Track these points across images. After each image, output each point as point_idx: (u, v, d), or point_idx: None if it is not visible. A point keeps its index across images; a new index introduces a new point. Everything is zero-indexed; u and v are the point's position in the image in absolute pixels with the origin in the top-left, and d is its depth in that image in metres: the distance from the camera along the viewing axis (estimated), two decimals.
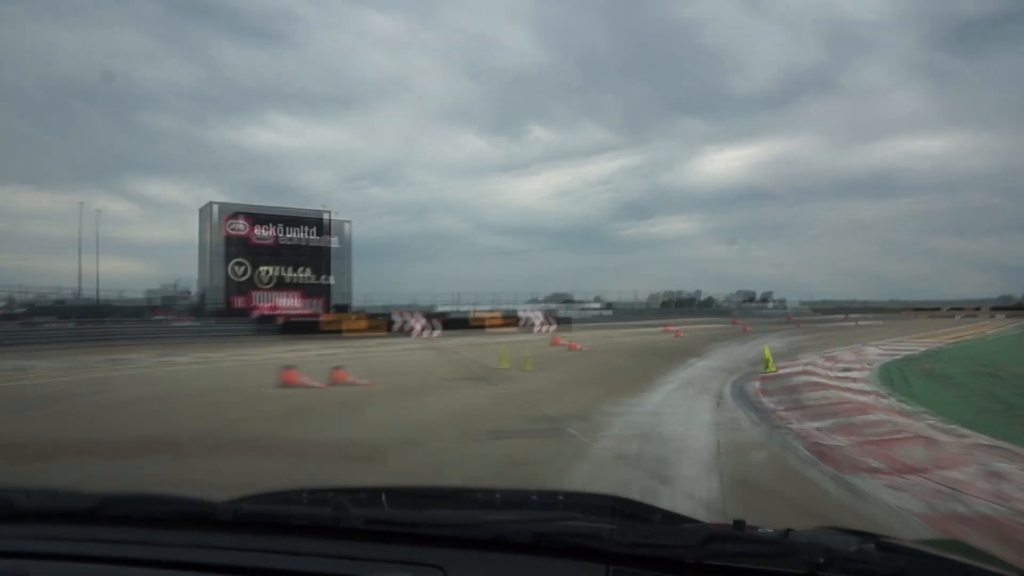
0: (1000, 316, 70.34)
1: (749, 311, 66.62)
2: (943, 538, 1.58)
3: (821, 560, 1.08)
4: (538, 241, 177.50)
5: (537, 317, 43.16)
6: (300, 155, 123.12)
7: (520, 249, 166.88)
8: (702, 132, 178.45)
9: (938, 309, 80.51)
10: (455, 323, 38.85)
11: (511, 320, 42.12)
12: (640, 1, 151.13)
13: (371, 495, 1.51)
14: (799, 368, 13.82)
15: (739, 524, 1.23)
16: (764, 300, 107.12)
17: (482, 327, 39.72)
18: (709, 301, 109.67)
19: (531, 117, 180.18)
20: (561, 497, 1.60)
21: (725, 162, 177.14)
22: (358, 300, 42.07)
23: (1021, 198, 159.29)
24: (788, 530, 1.19)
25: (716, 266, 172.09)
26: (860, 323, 49.08)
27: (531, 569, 1.21)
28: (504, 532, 1.27)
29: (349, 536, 1.32)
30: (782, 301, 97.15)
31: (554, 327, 41.62)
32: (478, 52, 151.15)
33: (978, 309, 78.32)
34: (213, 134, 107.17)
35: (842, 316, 66.15)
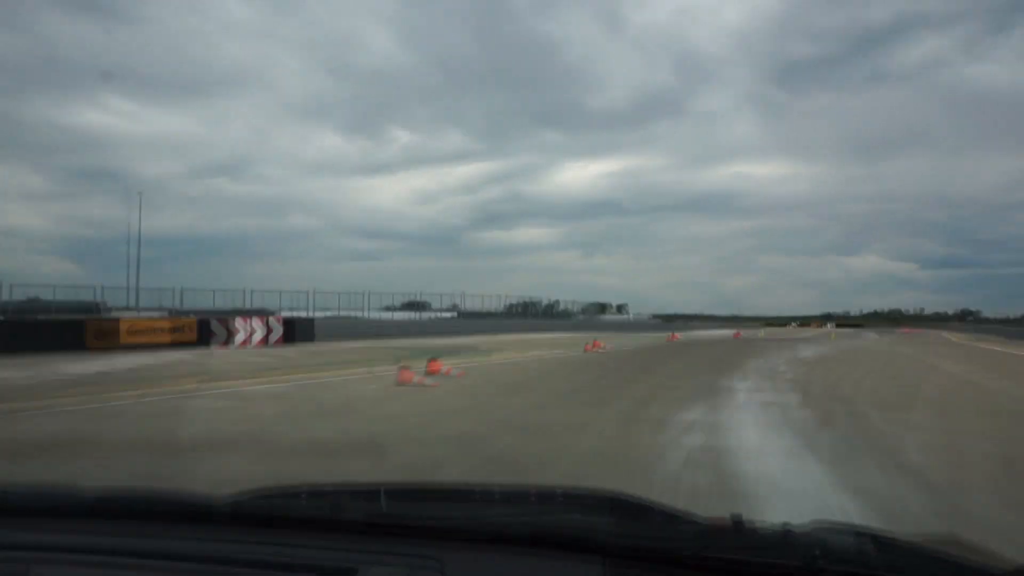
0: (829, 326, 79.57)
1: (599, 323, 67.44)
2: (940, 534, 1.40)
3: (818, 555, 1.08)
4: (397, 245, 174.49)
5: (249, 326, 26.40)
6: (138, 141, 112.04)
7: (379, 253, 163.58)
8: (562, 145, 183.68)
9: (786, 324, 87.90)
10: None
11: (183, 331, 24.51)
12: (506, 13, 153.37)
13: (370, 491, 1.52)
14: None
15: (736, 520, 1.21)
16: (619, 310, 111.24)
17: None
18: (565, 312, 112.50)
19: (393, 119, 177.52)
20: (559, 493, 1.56)
21: (582, 175, 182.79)
22: (188, 300, 35.63)
23: (836, 223, 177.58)
24: (785, 526, 1.18)
25: (571, 276, 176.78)
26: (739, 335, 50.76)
27: (529, 564, 1.21)
28: (502, 527, 1.27)
29: (348, 531, 1.32)
30: (635, 313, 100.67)
31: (272, 337, 26.92)
32: (339, 49, 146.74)
33: (822, 325, 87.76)
34: (29, 110, 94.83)
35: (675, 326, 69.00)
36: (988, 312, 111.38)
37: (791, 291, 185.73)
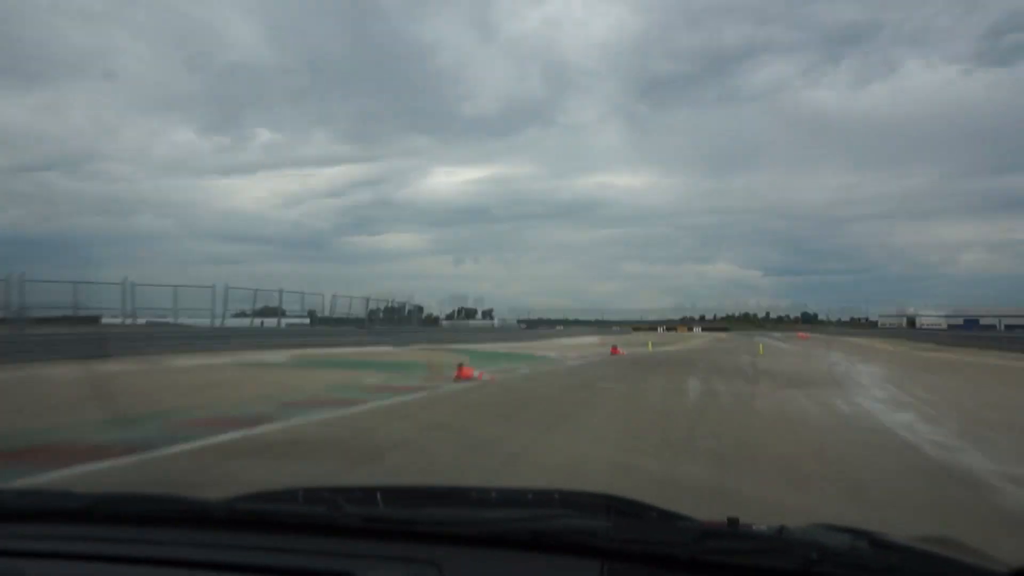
0: (697, 330, 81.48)
1: (465, 328, 64.36)
2: (936, 535, 1.35)
3: (814, 557, 1.09)
4: (260, 249, 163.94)
5: None
6: None
7: (240, 257, 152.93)
8: (432, 151, 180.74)
9: (655, 328, 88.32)
10: None
11: None
12: (377, 14, 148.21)
13: (367, 494, 1.52)
14: None
15: (733, 521, 1.23)
16: (486, 315, 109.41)
17: None
18: (432, 318, 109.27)
19: (257, 119, 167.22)
20: (557, 495, 1.59)
21: (452, 181, 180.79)
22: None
23: (691, 232, 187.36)
24: (782, 527, 1.20)
25: (441, 282, 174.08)
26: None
27: (527, 566, 1.21)
28: (500, 529, 1.27)
29: (345, 534, 1.31)
30: (500, 318, 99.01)
31: None
32: (199, 42, 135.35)
33: (691, 328, 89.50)
34: None
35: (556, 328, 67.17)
36: (823, 316, 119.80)
37: (652, 296, 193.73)
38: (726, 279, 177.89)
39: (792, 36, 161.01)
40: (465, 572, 1.20)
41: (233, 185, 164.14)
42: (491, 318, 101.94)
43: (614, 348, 30.05)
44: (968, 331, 60.30)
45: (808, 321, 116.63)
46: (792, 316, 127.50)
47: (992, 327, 65.26)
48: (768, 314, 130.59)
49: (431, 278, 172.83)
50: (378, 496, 1.48)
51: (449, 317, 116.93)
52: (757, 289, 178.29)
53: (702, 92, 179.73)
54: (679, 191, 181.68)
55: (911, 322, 79.89)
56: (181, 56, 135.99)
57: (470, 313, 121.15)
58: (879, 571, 1.09)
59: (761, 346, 33.76)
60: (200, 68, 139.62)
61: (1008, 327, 62.78)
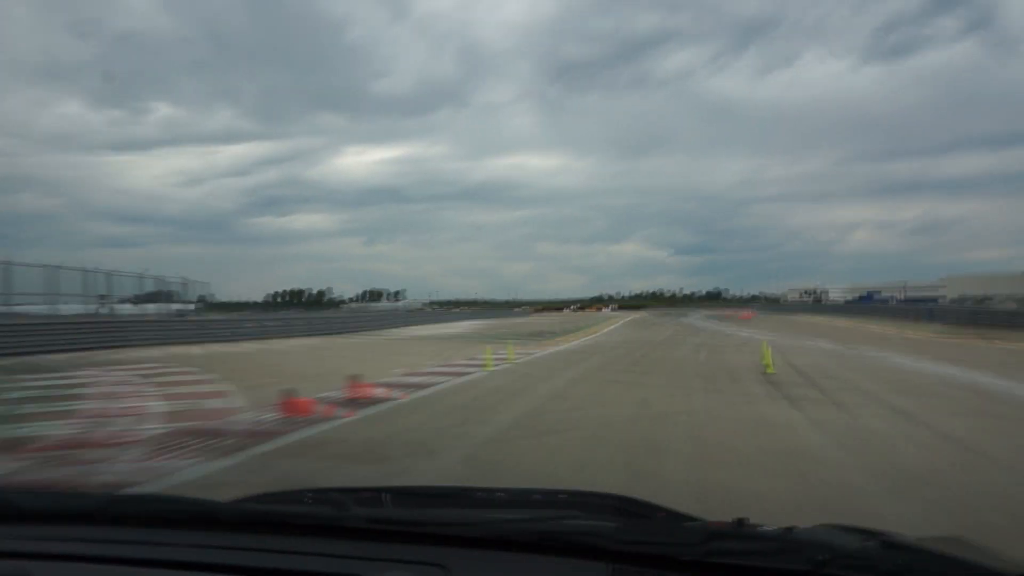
0: (608, 310, 78.95)
1: (370, 311, 60.76)
2: (946, 535, 1.36)
3: (823, 558, 1.08)
4: (158, 231, 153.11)
5: None
6: None
7: (135, 239, 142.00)
8: (343, 129, 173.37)
9: (560, 308, 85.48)
10: None
11: None
12: None
13: (373, 495, 1.54)
14: None
15: (741, 522, 1.23)
16: (396, 297, 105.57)
17: None
18: (337, 301, 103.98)
19: (155, 92, 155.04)
20: (563, 496, 1.60)
21: (364, 160, 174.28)
22: None
23: (603, 213, 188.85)
24: (790, 528, 1.20)
25: (352, 264, 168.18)
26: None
27: (534, 567, 1.21)
28: (506, 531, 1.28)
29: (352, 535, 1.31)
30: (410, 299, 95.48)
31: None
32: (87, 6, 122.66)
33: (600, 309, 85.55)
34: None
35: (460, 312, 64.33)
36: (731, 292, 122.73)
37: (564, 276, 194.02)
38: (637, 258, 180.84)
39: (700, 25, 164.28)
40: (472, 574, 1.19)
41: (128, 162, 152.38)
42: (403, 299, 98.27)
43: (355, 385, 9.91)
44: (868, 304, 63.26)
45: (714, 298, 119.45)
46: (700, 294, 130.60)
47: (887, 299, 68.59)
48: (676, 292, 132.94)
49: (342, 260, 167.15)
50: (385, 497, 1.50)
51: (356, 299, 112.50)
52: (666, 268, 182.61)
53: (614, 77, 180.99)
54: (591, 173, 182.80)
55: (817, 298, 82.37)
56: (66, 21, 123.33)
57: (376, 295, 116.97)
58: (889, 572, 1.08)
59: (767, 352, 13.82)
60: (88, 35, 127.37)
61: (903, 300, 65.85)
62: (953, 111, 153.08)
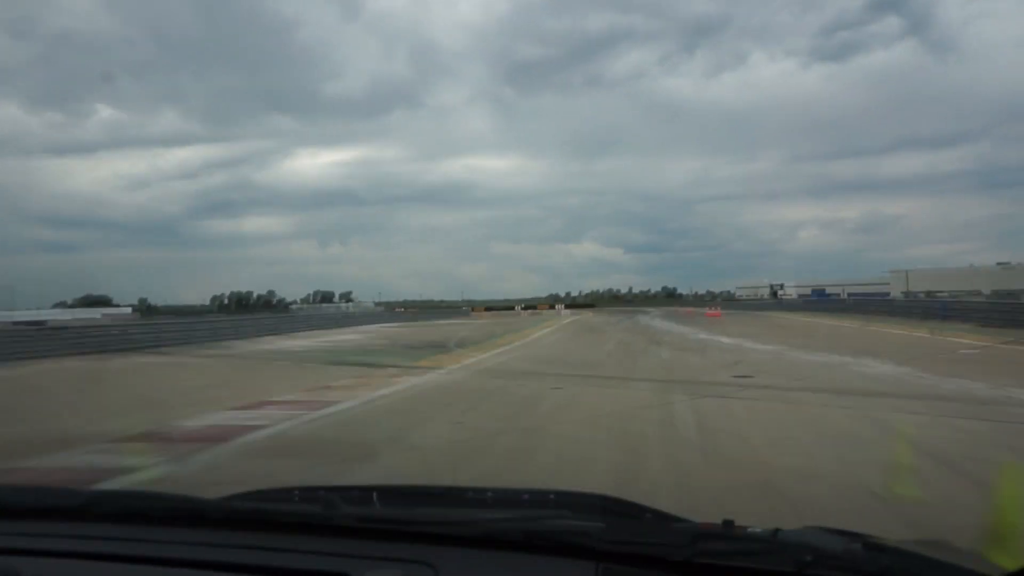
0: (560, 309, 77.80)
1: (320, 314, 58.67)
2: (929, 538, 1.40)
3: (808, 559, 1.09)
4: (101, 236, 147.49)
5: None
6: None
7: (77, 244, 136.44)
8: (295, 132, 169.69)
9: (512, 308, 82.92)
10: None
11: None
12: None
13: (363, 493, 1.53)
14: None
15: (728, 523, 1.23)
16: (347, 299, 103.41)
17: None
18: (283, 304, 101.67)
19: (96, 94, 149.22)
20: (552, 496, 1.61)
21: (316, 163, 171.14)
22: None
23: (558, 213, 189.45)
24: (777, 529, 1.20)
25: (307, 267, 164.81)
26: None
27: (522, 567, 1.21)
28: (495, 530, 1.27)
29: (340, 534, 1.31)
30: (357, 302, 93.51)
31: None
32: (23, 4, 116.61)
33: (553, 306, 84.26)
34: None
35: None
36: (683, 290, 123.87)
37: (520, 276, 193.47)
38: (591, 258, 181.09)
39: (652, 25, 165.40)
40: (460, 573, 1.20)
41: (68, 166, 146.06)
42: (348, 301, 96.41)
43: None
44: (821, 300, 64.16)
45: (670, 296, 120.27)
46: (654, 292, 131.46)
47: (836, 295, 70.18)
48: (631, 291, 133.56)
49: (295, 263, 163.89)
50: (374, 496, 1.49)
51: (305, 302, 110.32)
52: (620, 267, 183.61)
53: (567, 77, 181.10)
54: (546, 173, 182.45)
55: (774, 293, 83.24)
56: (4, 21, 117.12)
57: (326, 297, 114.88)
58: (872, 573, 1.08)
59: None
60: (25, 34, 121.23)
61: (850, 295, 67.29)
62: (894, 112, 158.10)
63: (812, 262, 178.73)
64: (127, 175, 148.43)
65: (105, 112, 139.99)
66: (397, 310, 68.01)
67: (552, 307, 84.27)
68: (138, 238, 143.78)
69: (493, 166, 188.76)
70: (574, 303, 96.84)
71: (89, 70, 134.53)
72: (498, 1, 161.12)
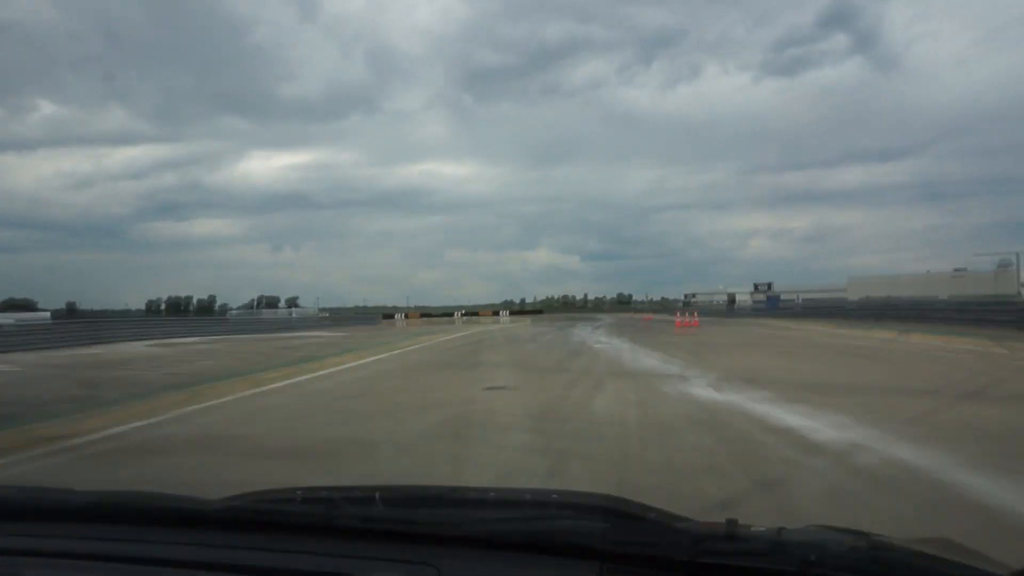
0: (505, 315, 74.69)
1: (256, 320, 55.21)
2: (934, 536, 1.36)
3: (812, 558, 1.07)
4: (42, 237, 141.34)
5: None
6: None
7: (13, 245, 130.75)
8: (247, 133, 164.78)
9: (451, 314, 79.41)
10: None
11: None
12: None
13: (365, 494, 1.54)
14: None
15: (731, 523, 1.20)
16: (292, 305, 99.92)
17: None
18: (224, 308, 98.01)
19: (38, 89, 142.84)
20: (555, 496, 1.61)
21: (269, 165, 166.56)
22: None
23: (515, 220, 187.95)
24: (780, 529, 1.18)
25: (258, 271, 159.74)
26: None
27: (524, 568, 1.20)
28: (498, 531, 1.27)
29: (343, 535, 1.31)
30: (295, 306, 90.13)
31: None
32: None
33: (496, 313, 79.12)
34: None
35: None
36: (638, 296, 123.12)
37: (476, 282, 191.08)
38: (547, 265, 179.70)
39: (609, 35, 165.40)
40: (463, 573, 1.19)
41: (7, 163, 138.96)
42: (294, 307, 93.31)
43: None
44: (774, 307, 63.56)
45: (624, 303, 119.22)
46: (609, 298, 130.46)
47: (791, 302, 69.87)
48: (586, 296, 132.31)
49: (246, 267, 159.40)
50: (377, 497, 1.49)
51: (249, 307, 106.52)
52: (576, 274, 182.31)
53: (525, 85, 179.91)
54: (503, 180, 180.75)
55: (732, 299, 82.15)
56: None
57: (272, 302, 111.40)
58: (877, 573, 1.08)
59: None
60: None
61: (805, 300, 67.04)
62: (841, 126, 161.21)
63: (762, 270, 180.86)
64: (70, 174, 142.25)
65: (47, 108, 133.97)
66: (322, 316, 64.65)
67: (496, 314, 78.82)
68: (81, 240, 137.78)
69: (451, 172, 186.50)
70: (522, 310, 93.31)
71: (29, 64, 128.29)
72: (457, 7, 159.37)
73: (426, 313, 78.67)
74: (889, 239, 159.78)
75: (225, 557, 1.26)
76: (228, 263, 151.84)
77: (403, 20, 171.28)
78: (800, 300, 69.80)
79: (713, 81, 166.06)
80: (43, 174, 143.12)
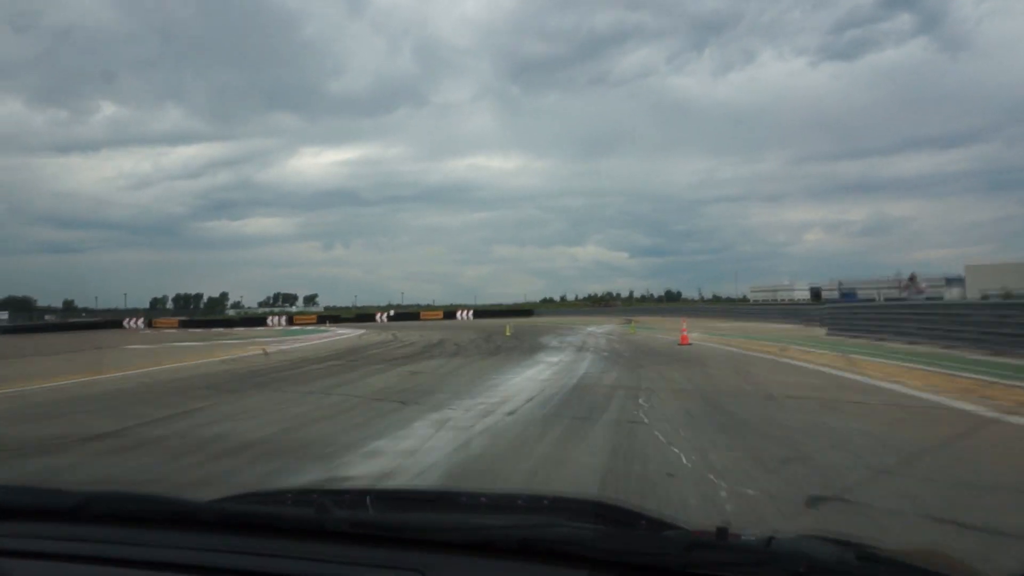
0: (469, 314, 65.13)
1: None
2: (923, 548, 1.48)
3: (802, 569, 1.08)
4: (103, 236, 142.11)
5: None
6: None
7: (79, 245, 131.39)
8: (298, 130, 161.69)
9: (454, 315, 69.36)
10: None
11: None
12: None
13: (356, 497, 1.55)
14: None
15: (722, 531, 1.21)
16: (311, 302, 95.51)
17: None
18: (237, 305, 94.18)
19: (99, 90, 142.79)
20: (546, 501, 1.60)
21: (319, 162, 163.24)
22: None
23: (562, 214, 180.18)
24: (771, 538, 1.18)
25: (308, 269, 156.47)
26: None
27: (514, 574, 1.20)
28: (488, 536, 1.26)
29: (332, 538, 1.30)
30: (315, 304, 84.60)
31: None
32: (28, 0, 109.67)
33: (454, 315, 64.77)
34: None
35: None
36: (687, 294, 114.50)
37: (523, 279, 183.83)
38: (595, 261, 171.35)
39: (660, 22, 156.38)
40: None
41: (72, 164, 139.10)
42: (316, 305, 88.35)
43: None
44: (852, 302, 54.58)
45: (673, 299, 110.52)
46: (657, 296, 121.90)
47: (871, 299, 60.69)
48: (631, 294, 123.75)
49: (298, 265, 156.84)
50: (367, 500, 1.49)
51: (264, 304, 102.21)
52: (624, 270, 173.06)
53: (573, 75, 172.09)
54: (550, 174, 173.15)
55: (816, 295, 72.41)
56: (3, 14, 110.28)
57: (290, 299, 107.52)
58: None
59: None
60: (27, 29, 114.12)
61: (887, 298, 57.76)
62: (902, 111, 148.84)
63: (817, 264, 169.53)
64: (131, 173, 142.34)
65: (109, 109, 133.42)
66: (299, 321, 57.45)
67: (453, 315, 63.44)
68: (141, 239, 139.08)
69: (497, 165, 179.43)
70: (572, 305, 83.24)
71: (92, 66, 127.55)
72: None
73: (333, 316, 64.94)
74: (954, 231, 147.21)
75: (213, 559, 1.24)
76: (280, 261, 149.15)
77: (450, 11, 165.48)
78: (882, 298, 60.72)
79: (767, 67, 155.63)
80: (106, 174, 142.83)
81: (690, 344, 17.76)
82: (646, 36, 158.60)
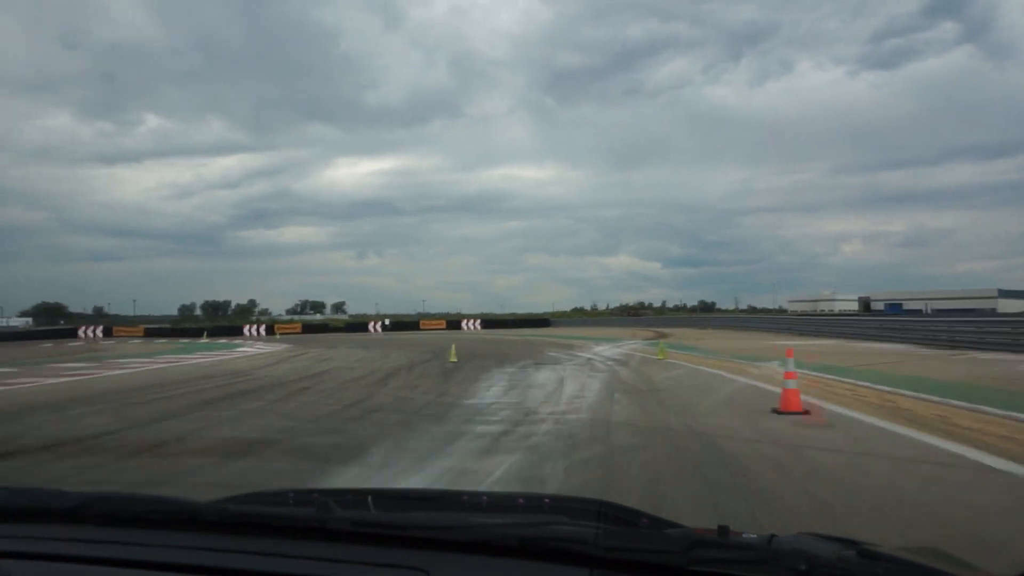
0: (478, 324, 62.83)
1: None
2: (923, 546, 1.51)
3: (803, 567, 1.08)
4: (146, 245, 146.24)
5: None
6: None
7: (123, 253, 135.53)
8: (334, 140, 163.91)
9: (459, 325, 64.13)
10: None
11: None
12: None
13: (357, 497, 1.54)
14: None
15: (723, 530, 1.22)
16: (339, 311, 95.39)
17: None
18: (265, 313, 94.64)
19: (143, 103, 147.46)
20: (547, 501, 1.59)
21: (355, 172, 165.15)
22: None
23: (595, 224, 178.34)
24: (771, 536, 1.19)
25: (344, 278, 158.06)
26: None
27: (515, 572, 1.20)
28: (489, 535, 1.27)
29: (334, 538, 1.30)
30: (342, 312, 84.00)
31: None
32: (76, 17, 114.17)
33: (459, 324, 59.86)
34: None
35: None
36: (721, 304, 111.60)
37: (554, 288, 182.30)
38: (627, 271, 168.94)
39: (695, 33, 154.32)
40: None
41: (117, 175, 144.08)
42: (343, 312, 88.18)
43: None
44: (897, 314, 51.83)
45: (707, 310, 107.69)
46: (690, 305, 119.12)
47: (918, 311, 57.65)
48: (664, 303, 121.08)
49: (331, 273, 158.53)
50: (368, 500, 1.48)
51: (292, 312, 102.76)
52: (657, 280, 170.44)
53: (607, 86, 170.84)
54: (583, 184, 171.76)
55: (866, 306, 69.47)
56: (54, 32, 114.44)
57: (317, 307, 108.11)
58: None
59: None
60: (77, 45, 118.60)
61: (936, 311, 54.72)
62: (944, 121, 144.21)
63: (855, 276, 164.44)
64: (173, 184, 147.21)
65: (152, 121, 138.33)
66: (282, 331, 55.43)
67: (458, 325, 59.82)
68: (182, 247, 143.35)
69: (531, 176, 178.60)
70: (597, 315, 79.95)
71: (137, 80, 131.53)
72: (539, 8, 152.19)
73: (321, 326, 62.09)
74: (999, 244, 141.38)
75: (215, 559, 1.25)
76: (315, 269, 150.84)
77: (485, 23, 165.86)
78: (930, 309, 57.71)
79: (805, 77, 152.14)
80: (149, 184, 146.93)
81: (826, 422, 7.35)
82: (681, 47, 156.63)
